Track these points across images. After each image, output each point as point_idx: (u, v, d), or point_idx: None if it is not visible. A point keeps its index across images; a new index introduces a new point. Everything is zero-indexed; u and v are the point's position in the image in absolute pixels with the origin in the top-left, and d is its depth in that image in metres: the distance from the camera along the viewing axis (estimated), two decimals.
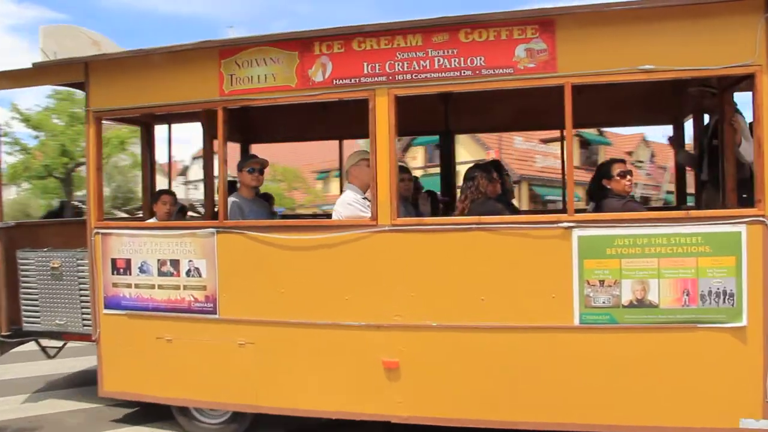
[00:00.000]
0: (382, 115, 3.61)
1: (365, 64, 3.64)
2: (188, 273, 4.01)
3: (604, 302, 3.31)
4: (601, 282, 3.31)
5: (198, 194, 29.68)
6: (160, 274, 4.07)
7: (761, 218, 3.10)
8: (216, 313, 3.95)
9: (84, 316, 4.50)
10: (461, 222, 3.54)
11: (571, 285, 3.35)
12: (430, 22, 3.52)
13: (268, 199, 6.15)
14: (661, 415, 3.26)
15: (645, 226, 3.27)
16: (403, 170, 4.66)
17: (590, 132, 25.75)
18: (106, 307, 4.23)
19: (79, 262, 4.51)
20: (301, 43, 3.74)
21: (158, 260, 4.08)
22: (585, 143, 26.43)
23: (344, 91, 3.69)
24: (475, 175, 3.72)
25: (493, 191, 3.79)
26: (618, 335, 3.30)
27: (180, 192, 21.94)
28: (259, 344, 3.86)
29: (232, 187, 6.09)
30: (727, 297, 3.14)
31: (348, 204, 3.81)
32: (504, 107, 5.19)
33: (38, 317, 4.63)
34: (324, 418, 3.87)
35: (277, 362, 3.84)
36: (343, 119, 5.70)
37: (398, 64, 3.59)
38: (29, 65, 4.27)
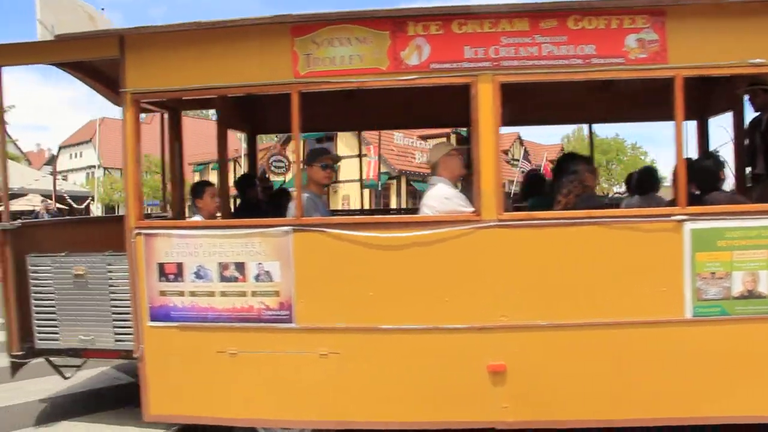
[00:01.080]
0: (486, 102, 3.45)
1: (466, 48, 3.45)
2: (257, 277, 3.64)
3: (715, 294, 3.38)
4: (713, 274, 3.38)
5: (68, 185, 27.62)
6: (222, 279, 3.67)
7: None
8: (292, 322, 3.62)
9: (117, 329, 3.98)
10: (572, 216, 3.48)
11: (682, 278, 3.40)
12: (537, 7, 3.39)
13: (286, 194, 5.79)
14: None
15: (755, 218, 3.37)
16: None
17: (466, 130, 26.45)
18: (153, 318, 3.75)
19: (110, 267, 3.97)
20: (393, 22, 3.48)
21: (219, 264, 3.67)
22: (462, 140, 27.16)
23: (443, 77, 3.48)
24: (578, 169, 3.66)
25: (594, 185, 3.75)
26: (729, 327, 3.39)
27: (47, 184, 20.14)
28: (345, 353, 3.60)
29: (247, 180, 5.67)
30: None
31: (446, 199, 3.62)
32: (533, 100, 5.14)
33: (56, 333, 4.04)
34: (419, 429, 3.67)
35: (366, 372, 3.60)
36: (373, 109, 5.46)
37: (503, 50, 3.43)
38: (51, 37, 3.65)
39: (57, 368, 4.52)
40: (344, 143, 25.41)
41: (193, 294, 3.72)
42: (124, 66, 3.71)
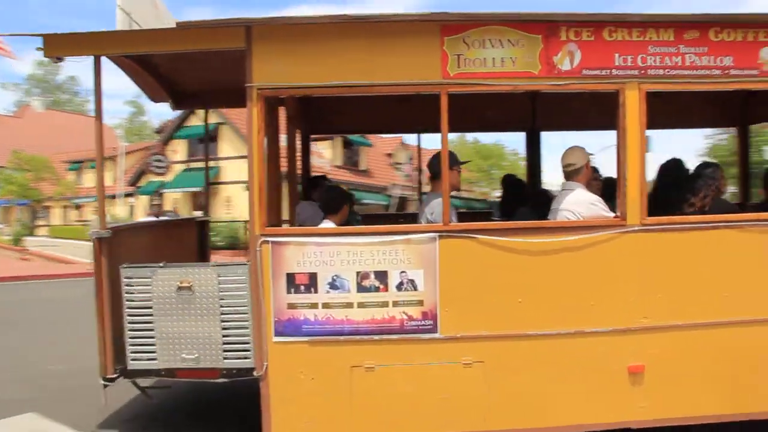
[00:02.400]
0: (633, 109, 3.59)
1: (616, 55, 3.57)
2: (399, 286, 3.54)
3: None
4: None
5: None
6: (361, 289, 3.53)
7: None
8: (436, 332, 3.56)
9: (226, 346, 3.69)
10: (711, 220, 3.69)
11: None
12: (682, 18, 3.58)
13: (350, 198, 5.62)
14: None
15: None
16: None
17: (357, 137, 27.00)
18: (278, 334, 3.54)
19: (220, 278, 3.67)
20: (546, 27, 3.53)
21: (357, 273, 3.53)
22: (348, 144, 27.84)
23: (594, 83, 3.58)
24: (715, 176, 3.88)
25: (725, 189, 4.00)
26: None
27: None
28: (489, 362, 3.59)
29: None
30: None
31: (592, 204, 3.72)
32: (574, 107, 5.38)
33: (154, 352, 3.67)
34: None
35: (510, 380, 3.61)
36: (419, 112, 5.44)
37: (650, 58, 3.59)
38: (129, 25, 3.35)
39: (143, 389, 4.11)
40: (228, 144, 24.95)
41: (327, 306, 3.54)
42: (250, 59, 3.46)
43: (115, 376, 3.68)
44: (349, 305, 3.55)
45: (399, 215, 10.25)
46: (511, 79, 3.54)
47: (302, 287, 3.54)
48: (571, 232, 3.61)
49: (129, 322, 3.68)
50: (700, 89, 3.70)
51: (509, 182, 5.47)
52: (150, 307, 3.69)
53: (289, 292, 3.53)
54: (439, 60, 3.51)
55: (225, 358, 3.73)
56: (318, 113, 5.52)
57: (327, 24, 3.46)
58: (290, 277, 3.53)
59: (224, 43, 3.49)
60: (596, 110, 4.97)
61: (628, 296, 3.63)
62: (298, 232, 3.66)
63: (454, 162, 3.83)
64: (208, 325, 3.69)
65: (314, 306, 3.54)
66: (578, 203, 3.75)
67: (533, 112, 5.90)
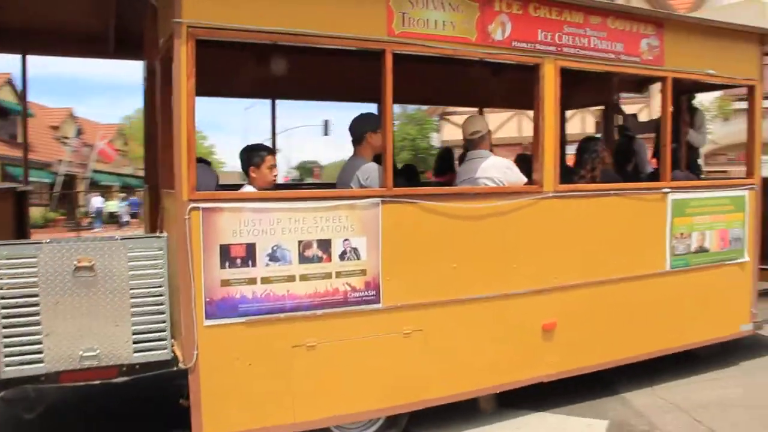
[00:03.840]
0: (549, 84, 3.93)
1: (539, 31, 3.87)
2: (342, 256, 3.40)
3: (681, 250, 4.59)
4: (681, 235, 4.57)
5: None
6: (303, 260, 3.31)
7: (753, 186, 4.91)
8: (379, 302, 3.51)
9: (137, 337, 3.14)
10: (607, 188, 4.25)
11: (664, 238, 4.50)
12: (588, 3, 4.03)
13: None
14: (710, 328, 4.77)
15: (704, 190, 4.69)
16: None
17: (10, 101, 25.75)
18: (210, 316, 3.13)
19: (131, 254, 3.09)
20: None
21: (300, 242, 3.29)
22: (3, 112, 25.98)
23: (520, 55, 3.83)
24: (597, 148, 4.41)
25: (609, 162, 4.57)
26: (684, 275, 4.63)
27: None
28: (428, 330, 3.66)
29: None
30: (739, 241, 4.86)
31: (507, 168, 3.98)
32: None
33: (40, 353, 2.95)
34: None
35: (444, 346, 3.73)
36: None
37: (565, 37, 3.97)
38: None
39: (11, 403, 3.24)
40: None
41: (266, 281, 3.24)
42: None
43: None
44: (291, 278, 3.28)
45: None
46: (450, 44, 3.60)
47: (238, 260, 3.16)
48: (496, 197, 3.83)
49: (4, 317, 2.89)
50: (597, 70, 4.20)
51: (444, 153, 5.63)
52: (35, 295, 2.94)
53: (223, 266, 3.13)
54: (385, 15, 3.41)
55: (136, 351, 3.16)
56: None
57: None
58: (224, 250, 3.13)
59: None
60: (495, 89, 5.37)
61: (542, 258, 3.99)
62: (234, 197, 3.25)
63: (377, 125, 3.77)
64: (115, 313, 3.08)
65: (252, 281, 3.20)
66: (495, 168, 3.98)
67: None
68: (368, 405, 3.54)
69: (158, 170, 3.77)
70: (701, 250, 4.69)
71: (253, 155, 3.59)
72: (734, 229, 4.85)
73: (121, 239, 3.10)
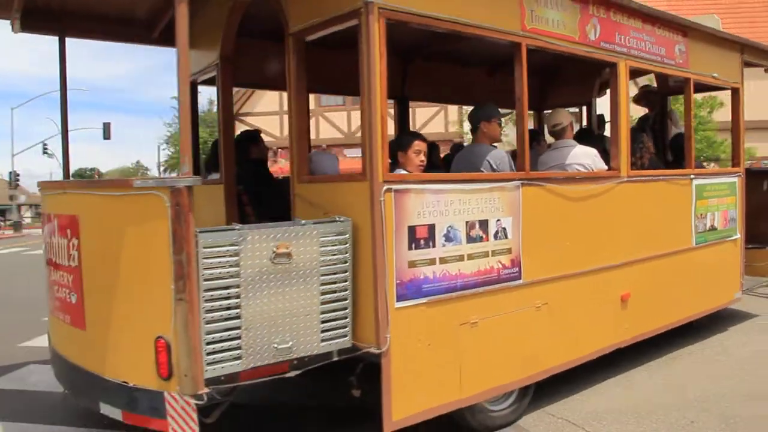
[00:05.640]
0: (623, 82, 4.57)
1: (616, 33, 4.49)
2: (496, 235, 3.71)
3: (701, 229, 5.47)
4: (701, 215, 5.46)
5: None
6: (469, 240, 3.57)
7: (740, 174, 5.98)
8: (521, 278, 3.86)
9: (325, 325, 3.17)
10: (660, 174, 4.97)
11: (691, 218, 5.35)
12: (653, 11, 4.74)
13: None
14: (718, 297, 5.71)
15: (714, 177, 5.63)
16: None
17: None
18: (400, 298, 3.27)
19: (325, 239, 3.13)
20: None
21: (467, 223, 3.55)
22: None
23: (606, 55, 4.41)
24: (644, 139, 5.12)
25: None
26: (703, 250, 5.52)
27: None
28: (552, 303, 4.07)
29: (249, 138, 4.77)
30: (734, 221, 5.88)
31: (595, 156, 4.51)
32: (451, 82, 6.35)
33: (239, 349, 2.87)
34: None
35: (562, 318, 4.15)
36: None
37: (632, 41, 4.63)
38: None
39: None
40: None
41: (443, 261, 3.44)
42: None
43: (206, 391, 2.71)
44: (461, 258, 3.51)
45: None
46: (561, 41, 4.07)
47: (422, 241, 3.34)
48: (592, 181, 4.37)
49: (207, 311, 2.77)
50: (652, 71, 4.92)
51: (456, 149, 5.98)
52: (237, 287, 2.86)
53: (410, 248, 3.28)
54: (519, 12, 3.79)
55: (323, 341, 3.17)
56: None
57: None
58: (411, 231, 3.28)
59: None
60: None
61: (620, 235, 4.58)
62: (420, 179, 3.39)
63: (495, 113, 4.13)
64: (306, 301, 3.09)
65: (432, 262, 3.38)
66: (585, 156, 4.51)
67: (403, 80, 6.36)
68: (511, 377, 3.85)
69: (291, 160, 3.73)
70: (712, 228, 5.62)
71: (402, 140, 3.75)
72: (731, 210, 5.87)
73: (313, 223, 3.12)
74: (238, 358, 2.90)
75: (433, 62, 5.97)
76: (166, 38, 4.78)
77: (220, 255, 2.82)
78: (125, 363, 2.79)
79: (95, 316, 2.92)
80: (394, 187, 3.21)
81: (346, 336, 3.27)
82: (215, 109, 23.73)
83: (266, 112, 20.87)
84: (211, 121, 26.32)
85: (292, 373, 3.18)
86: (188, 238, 2.54)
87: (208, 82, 4.71)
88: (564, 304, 4.14)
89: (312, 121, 19.87)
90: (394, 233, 3.21)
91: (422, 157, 3.73)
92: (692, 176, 5.34)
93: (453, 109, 20.13)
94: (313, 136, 18.99)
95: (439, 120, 19.41)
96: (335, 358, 3.24)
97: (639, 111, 6.75)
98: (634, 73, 4.92)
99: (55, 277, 3.25)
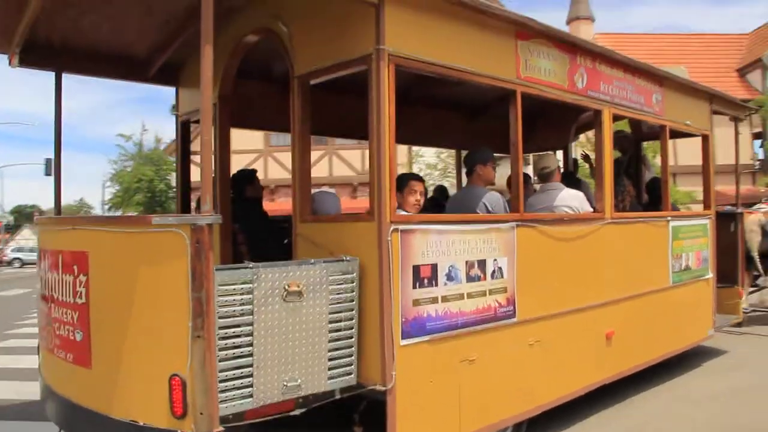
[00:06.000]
0: (607, 129, 4.84)
1: (601, 83, 4.77)
2: (493, 274, 3.85)
3: (677, 268, 5.74)
4: (677, 255, 5.73)
5: None
6: (468, 279, 3.69)
7: (710, 216, 6.32)
8: (515, 317, 3.99)
9: (332, 363, 3.23)
10: (640, 216, 5.22)
11: (668, 258, 5.61)
12: (634, 62, 5.06)
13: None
14: (693, 334, 5.96)
15: (688, 219, 5.93)
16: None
17: None
18: (405, 336, 3.36)
19: (334, 278, 3.20)
20: (570, 49, 4.46)
21: (466, 262, 3.68)
22: None
23: (590, 102, 4.68)
24: (626, 183, 5.39)
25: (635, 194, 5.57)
26: (679, 289, 5.78)
27: None
28: (544, 340, 4.20)
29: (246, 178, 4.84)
30: (706, 261, 6.19)
31: (583, 199, 4.72)
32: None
33: (250, 387, 2.90)
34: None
35: (553, 355, 4.29)
36: None
37: (614, 90, 4.92)
38: None
39: None
40: None
41: (445, 299, 3.55)
42: (382, 17, 3.25)
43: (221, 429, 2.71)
44: (461, 296, 3.63)
45: None
46: (552, 89, 4.31)
47: (426, 280, 3.44)
48: (579, 223, 4.57)
49: (221, 349, 2.81)
50: (633, 118, 5.22)
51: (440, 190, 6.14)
52: (249, 324, 2.91)
53: (414, 286, 3.38)
54: (514, 60, 4.01)
55: (329, 378, 3.22)
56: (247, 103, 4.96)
57: (464, 3, 3.55)
58: (416, 270, 3.39)
59: None
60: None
61: (604, 275, 4.78)
62: (424, 220, 3.51)
63: (491, 157, 4.32)
64: (314, 339, 3.15)
65: (435, 300, 3.49)
66: (573, 199, 4.71)
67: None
68: (507, 413, 3.95)
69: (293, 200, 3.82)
70: (687, 268, 5.89)
71: (399, 182, 3.88)
72: (704, 251, 6.17)
73: (322, 262, 3.20)
74: (249, 396, 2.93)
75: (409, 106, 6.15)
76: (162, 77, 4.89)
77: (235, 293, 2.86)
78: (135, 402, 2.78)
79: (102, 355, 2.91)
80: (401, 227, 3.32)
81: (351, 374, 3.32)
82: (162, 146, 23.92)
83: None
84: (157, 159, 26.16)
85: (298, 411, 3.21)
86: (208, 275, 2.59)
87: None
88: (554, 341, 4.27)
89: (261, 161, 19.97)
90: (400, 272, 3.31)
91: (418, 197, 3.87)
92: (669, 218, 5.62)
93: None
94: (262, 175, 19.20)
95: (323, 164, 20.01)
96: (340, 396, 3.29)
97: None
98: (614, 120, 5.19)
99: (56, 315, 3.22)
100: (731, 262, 6.85)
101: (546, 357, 4.20)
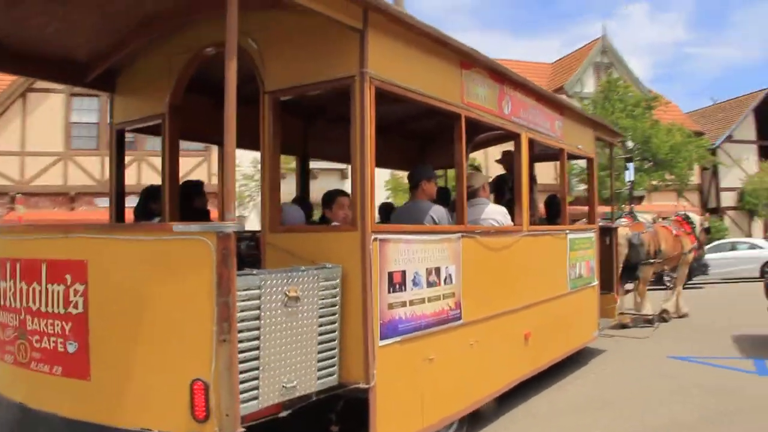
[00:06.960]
0: (525, 152, 5.61)
1: (521, 109, 5.54)
2: (446, 280, 4.37)
3: (573, 276, 6.69)
4: (573, 264, 6.68)
5: None
6: (428, 284, 4.18)
7: (595, 230, 7.40)
8: (461, 319, 4.54)
9: (321, 364, 3.54)
10: (548, 229, 6.03)
11: (566, 267, 6.54)
12: (543, 91, 5.89)
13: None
14: (582, 336, 6.93)
15: (581, 232, 6.92)
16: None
17: None
18: (382, 337, 3.76)
19: (322, 284, 3.51)
20: (500, 78, 5.16)
21: (426, 269, 4.16)
22: None
23: (512, 127, 5.41)
24: (536, 197, 6.19)
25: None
26: (574, 295, 6.73)
27: None
28: (481, 341, 4.80)
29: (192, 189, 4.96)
30: (593, 270, 7.23)
31: (505, 214, 5.40)
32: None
33: (256, 389, 3.13)
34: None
35: (487, 354, 4.90)
36: None
37: (530, 116, 5.72)
38: None
39: None
40: None
41: (412, 303, 3.99)
42: (365, 43, 3.65)
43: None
44: (423, 300, 4.09)
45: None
46: (488, 114, 4.95)
47: (397, 285, 3.86)
48: (505, 234, 5.25)
49: (241, 351, 3.00)
50: (544, 143, 6.04)
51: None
52: (257, 328, 3.14)
53: (389, 291, 3.79)
54: (460, 87, 4.59)
55: (318, 379, 3.52)
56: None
57: (428, 33, 4.03)
58: (390, 276, 3.80)
59: (340, 13, 3.49)
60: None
61: (521, 281, 5.52)
62: (397, 230, 3.90)
63: (433, 174, 4.87)
64: (307, 342, 3.43)
65: (404, 304, 3.91)
66: (498, 213, 5.38)
67: (305, 139, 6.94)
68: (456, 408, 4.45)
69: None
70: (579, 276, 6.86)
71: (326, 198, 4.29)
72: (591, 261, 7.20)
73: (316, 269, 3.50)
74: (256, 398, 3.14)
75: (332, 123, 6.55)
76: (99, 83, 4.84)
77: (249, 298, 3.09)
78: (147, 409, 2.87)
79: (104, 365, 2.95)
80: (380, 237, 3.71)
81: (333, 375, 3.63)
82: None
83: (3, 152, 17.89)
84: None
85: (284, 413, 3.46)
86: (233, 280, 2.80)
87: (145, 131, 4.82)
88: (488, 341, 4.87)
89: (60, 165, 18.43)
90: (379, 278, 3.69)
91: (346, 210, 4.30)
92: (567, 231, 6.54)
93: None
94: (60, 182, 18.06)
95: (56, 170, 18.79)
96: (325, 395, 3.58)
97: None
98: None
99: (34, 327, 3.17)
100: (607, 271, 8.01)
101: (483, 356, 4.78)
